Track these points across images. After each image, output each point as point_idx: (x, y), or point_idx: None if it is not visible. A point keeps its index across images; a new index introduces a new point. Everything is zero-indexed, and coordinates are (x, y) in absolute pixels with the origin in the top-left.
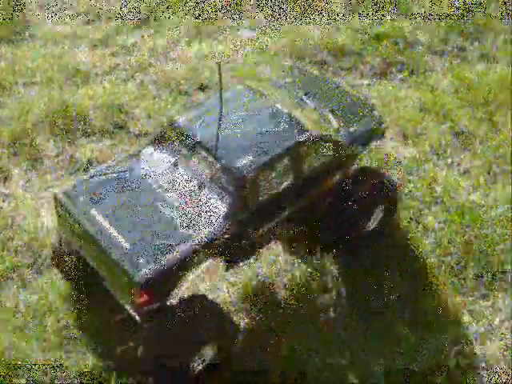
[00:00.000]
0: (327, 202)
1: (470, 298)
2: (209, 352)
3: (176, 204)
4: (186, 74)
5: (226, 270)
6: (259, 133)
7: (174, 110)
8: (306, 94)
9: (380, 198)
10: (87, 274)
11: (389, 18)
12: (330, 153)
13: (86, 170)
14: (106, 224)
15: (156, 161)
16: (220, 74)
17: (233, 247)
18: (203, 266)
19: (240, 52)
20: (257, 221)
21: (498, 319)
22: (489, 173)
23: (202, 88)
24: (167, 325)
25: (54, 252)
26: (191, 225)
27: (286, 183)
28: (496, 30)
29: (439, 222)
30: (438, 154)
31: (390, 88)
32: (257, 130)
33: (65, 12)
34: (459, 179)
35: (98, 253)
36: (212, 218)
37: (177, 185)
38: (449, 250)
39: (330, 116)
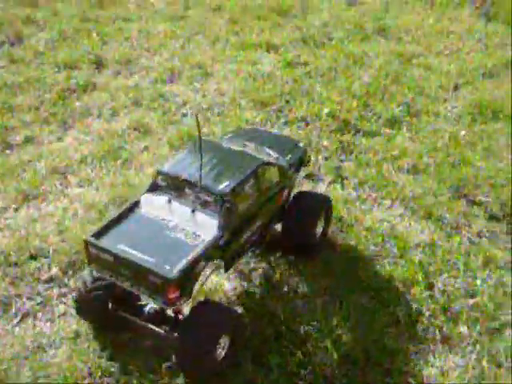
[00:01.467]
0: (282, 216)
1: None
2: (226, 340)
3: (178, 227)
4: (15, 244)
5: (225, 270)
6: (226, 165)
7: (4, 284)
8: (246, 140)
9: (320, 212)
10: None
11: None
12: (277, 174)
13: None
14: (131, 250)
15: (154, 202)
16: (198, 123)
17: (227, 251)
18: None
19: (70, 211)
20: (239, 229)
21: None
22: None
23: (34, 257)
24: (191, 326)
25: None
26: (194, 238)
27: (253, 199)
28: (318, 148)
29: None
30: None
31: None
32: (224, 164)
33: None
34: None
35: (133, 271)
36: (208, 230)
37: (174, 214)
38: None
39: (269, 150)
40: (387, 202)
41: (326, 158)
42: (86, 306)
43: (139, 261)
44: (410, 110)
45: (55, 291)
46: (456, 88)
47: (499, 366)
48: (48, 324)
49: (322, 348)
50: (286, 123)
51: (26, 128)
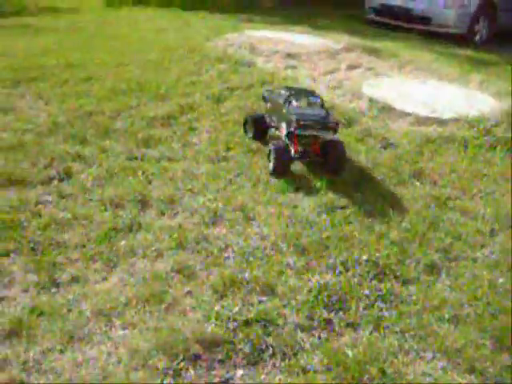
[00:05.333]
0: None
1: None
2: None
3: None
4: None
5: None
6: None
7: None
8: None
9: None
10: None
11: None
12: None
13: None
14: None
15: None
16: None
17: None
18: None
19: (114, 356)
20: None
21: None
22: None
23: None
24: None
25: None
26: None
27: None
28: (359, 296)
29: None
30: None
31: None
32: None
33: None
34: None
35: (319, 125)
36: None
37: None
38: None
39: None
40: (429, 354)
41: (366, 307)
42: (282, 163)
43: (321, 120)
44: (448, 256)
45: None
46: (493, 233)
47: None
48: None
49: None
50: (329, 267)
51: (72, 266)
